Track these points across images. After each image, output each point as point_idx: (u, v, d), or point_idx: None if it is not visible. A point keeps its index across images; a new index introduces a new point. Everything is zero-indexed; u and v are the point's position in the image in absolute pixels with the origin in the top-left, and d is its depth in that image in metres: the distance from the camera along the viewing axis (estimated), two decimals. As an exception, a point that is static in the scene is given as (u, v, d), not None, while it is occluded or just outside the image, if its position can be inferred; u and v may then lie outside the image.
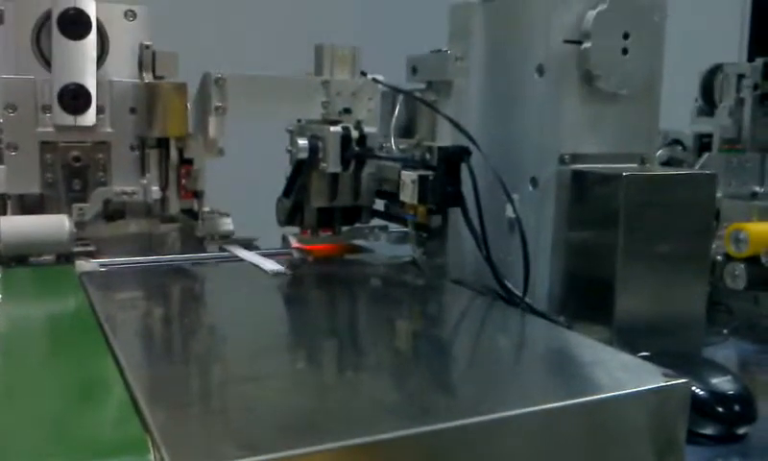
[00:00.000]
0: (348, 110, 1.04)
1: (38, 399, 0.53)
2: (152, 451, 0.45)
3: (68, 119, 0.96)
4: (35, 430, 0.48)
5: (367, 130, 0.99)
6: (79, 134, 0.98)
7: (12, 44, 0.98)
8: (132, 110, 1.00)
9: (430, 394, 0.58)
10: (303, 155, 0.98)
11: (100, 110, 0.98)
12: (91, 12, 0.97)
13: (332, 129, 0.97)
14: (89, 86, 0.97)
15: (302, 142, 0.99)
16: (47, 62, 0.97)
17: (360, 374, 0.63)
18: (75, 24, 0.96)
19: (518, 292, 0.82)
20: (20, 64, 0.98)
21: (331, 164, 0.98)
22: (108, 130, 1.00)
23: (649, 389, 0.58)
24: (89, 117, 0.97)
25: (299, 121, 1.06)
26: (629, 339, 0.75)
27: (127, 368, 0.57)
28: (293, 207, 1.03)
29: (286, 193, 1.04)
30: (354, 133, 0.98)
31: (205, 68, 1.00)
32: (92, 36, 0.97)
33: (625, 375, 0.61)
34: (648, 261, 0.79)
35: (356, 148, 0.98)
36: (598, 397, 0.56)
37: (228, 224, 1.05)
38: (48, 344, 0.66)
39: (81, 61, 0.96)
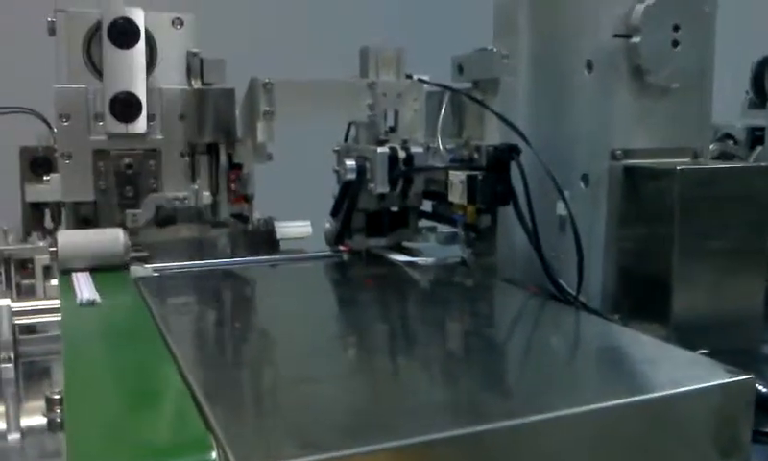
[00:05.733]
0: (392, 129, 1.04)
1: (104, 400, 0.54)
2: (215, 450, 0.45)
3: (120, 127, 0.98)
4: (100, 431, 0.49)
5: (413, 149, 0.98)
6: (130, 142, 1.00)
7: (64, 55, 1.00)
8: (182, 117, 1.02)
9: (486, 394, 0.58)
10: (351, 176, 0.98)
11: (150, 118, 1.00)
12: (140, 21, 0.98)
13: (379, 149, 0.97)
14: (140, 94, 0.98)
15: (350, 163, 0.98)
16: (98, 72, 0.99)
17: (415, 374, 0.63)
18: (124, 34, 0.98)
19: (571, 291, 0.81)
20: (72, 74, 1.00)
21: (379, 185, 0.97)
22: (159, 137, 1.01)
23: (712, 385, 0.56)
24: (140, 125, 0.99)
25: (345, 141, 1.07)
26: (686, 336, 0.73)
27: (186, 369, 0.57)
28: (341, 229, 1.02)
29: (334, 213, 1.03)
30: (401, 153, 0.97)
31: (250, 74, 1.01)
32: (141, 45, 0.99)
33: (686, 371, 0.60)
34: (704, 257, 0.77)
35: (403, 167, 0.97)
36: (659, 394, 0.55)
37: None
38: (110, 347, 0.67)
39: (131, 70, 0.98)
